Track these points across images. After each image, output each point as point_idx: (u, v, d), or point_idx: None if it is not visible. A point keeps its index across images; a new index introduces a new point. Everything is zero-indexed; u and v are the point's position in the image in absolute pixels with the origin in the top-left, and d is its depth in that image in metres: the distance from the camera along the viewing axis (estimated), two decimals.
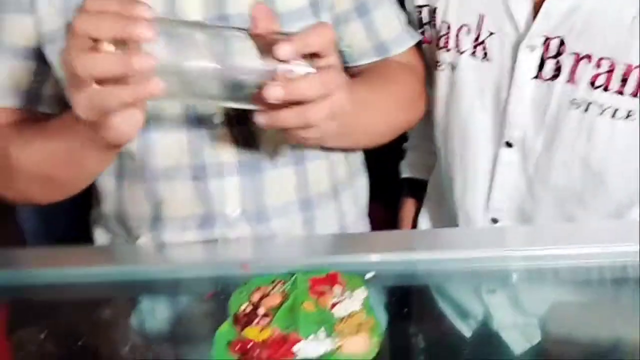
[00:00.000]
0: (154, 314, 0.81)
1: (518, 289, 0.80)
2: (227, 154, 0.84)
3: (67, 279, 0.80)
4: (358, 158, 1.00)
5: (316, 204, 0.90)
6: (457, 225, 1.00)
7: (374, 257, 0.79)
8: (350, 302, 0.69)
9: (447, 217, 1.02)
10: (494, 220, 0.97)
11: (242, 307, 0.70)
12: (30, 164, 0.78)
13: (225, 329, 0.68)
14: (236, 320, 0.68)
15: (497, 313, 0.77)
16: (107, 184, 0.88)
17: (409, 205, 1.19)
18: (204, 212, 0.84)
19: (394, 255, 0.80)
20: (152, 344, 0.75)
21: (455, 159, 0.97)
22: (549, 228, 0.91)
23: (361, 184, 1.01)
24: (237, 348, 0.65)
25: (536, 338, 0.72)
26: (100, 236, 0.96)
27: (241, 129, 0.83)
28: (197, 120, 0.82)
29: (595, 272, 0.77)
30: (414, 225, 1.16)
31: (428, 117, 1.01)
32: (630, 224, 0.83)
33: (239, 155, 0.84)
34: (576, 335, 0.72)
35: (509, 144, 0.93)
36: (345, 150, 0.94)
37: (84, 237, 0.98)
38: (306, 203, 0.89)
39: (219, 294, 0.77)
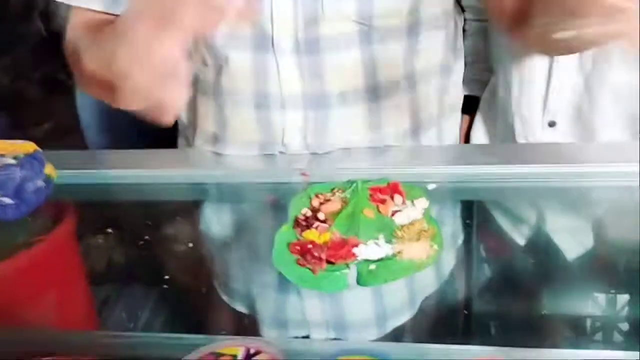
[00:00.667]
0: (218, 217, 0.82)
1: (569, 202, 0.79)
2: (291, 85, 0.79)
3: (134, 180, 0.82)
4: (456, 94, 0.95)
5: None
6: (512, 137, 0.98)
7: (434, 170, 0.78)
8: (412, 211, 0.69)
9: (502, 130, 1.00)
10: (551, 124, 0.95)
11: (302, 212, 0.70)
12: (91, 67, 0.78)
13: (285, 231, 0.68)
14: (296, 223, 0.69)
15: (550, 222, 0.77)
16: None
17: (463, 122, 1.17)
18: (266, 141, 0.83)
19: (454, 168, 0.78)
20: (216, 244, 0.77)
21: (512, 63, 0.95)
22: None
23: (451, 124, 0.96)
24: (297, 248, 0.65)
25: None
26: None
27: (310, 59, 0.77)
28: (263, 43, 0.77)
29: None
30: (467, 140, 1.14)
31: (484, 29, 0.98)
32: None
33: (304, 87, 0.79)
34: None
35: None
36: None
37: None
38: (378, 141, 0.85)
39: (279, 200, 0.77)
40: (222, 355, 0.48)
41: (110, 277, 0.77)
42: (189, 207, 0.83)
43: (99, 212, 0.83)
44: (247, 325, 0.72)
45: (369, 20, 0.76)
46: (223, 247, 0.78)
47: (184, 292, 0.74)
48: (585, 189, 0.78)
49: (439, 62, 0.85)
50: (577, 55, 0.90)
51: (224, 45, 0.79)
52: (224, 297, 0.74)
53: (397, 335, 0.69)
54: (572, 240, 0.75)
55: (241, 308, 0.73)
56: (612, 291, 0.69)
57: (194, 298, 0.75)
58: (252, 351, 0.48)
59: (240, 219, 0.80)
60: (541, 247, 0.75)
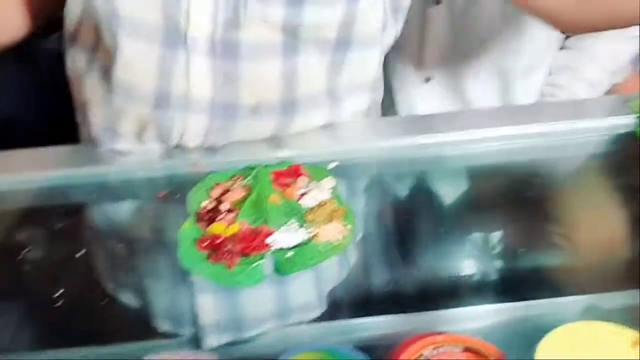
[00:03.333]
0: (108, 217, 0.76)
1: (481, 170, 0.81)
2: (201, 89, 0.72)
3: (16, 184, 0.73)
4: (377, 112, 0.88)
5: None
6: (390, 95, 1.00)
7: (334, 148, 0.76)
8: (319, 192, 0.67)
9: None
10: (427, 79, 0.99)
11: (203, 204, 0.66)
12: None
13: (188, 227, 0.64)
14: (199, 217, 0.64)
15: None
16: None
17: None
18: (163, 141, 0.76)
19: (351, 145, 0.77)
20: (111, 248, 0.71)
21: None
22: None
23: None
24: (205, 245, 0.61)
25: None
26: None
27: (225, 64, 0.71)
28: (175, 38, 0.70)
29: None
30: None
31: None
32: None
33: (214, 93, 0.72)
34: None
35: (437, 1, 0.95)
36: None
37: None
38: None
39: (173, 194, 0.72)
40: None
41: None
42: (78, 209, 0.76)
43: None
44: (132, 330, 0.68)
45: (295, 30, 0.70)
46: (120, 250, 0.72)
47: (53, 304, 0.67)
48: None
49: (366, 81, 0.78)
50: (447, 9, 0.93)
51: (123, 31, 0.70)
52: (93, 303, 0.68)
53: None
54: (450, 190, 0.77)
55: (122, 312, 0.69)
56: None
57: (65, 309, 0.69)
58: None
59: (134, 219, 0.74)
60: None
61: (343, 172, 0.72)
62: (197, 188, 0.69)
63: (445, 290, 0.71)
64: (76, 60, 0.78)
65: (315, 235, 0.61)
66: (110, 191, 0.76)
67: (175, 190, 0.73)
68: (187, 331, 0.64)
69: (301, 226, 0.62)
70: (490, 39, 0.96)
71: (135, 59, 0.71)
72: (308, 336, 0.64)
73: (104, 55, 0.74)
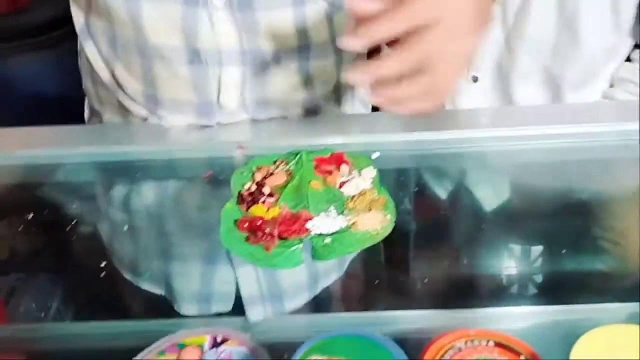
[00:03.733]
0: (151, 196, 0.78)
1: (518, 169, 0.80)
2: (229, 40, 0.75)
3: (60, 159, 0.75)
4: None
5: (321, 103, 0.84)
6: None
7: (377, 138, 0.76)
8: (360, 181, 0.67)
9: None
10: (474, 79, 0.97)
11: (246, 187, 0.67)
12: None
13: (230, 208, 0.65)
14: (240, 199, 0.65)
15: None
16: (102, 48, 0.81)
17: None
18: (201, 100, 0.78)
19: (396, 136, 0.77)
20: (156, 224, 0.72)
21: None
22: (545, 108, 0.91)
23: None
24: (245, 225, 0.62)
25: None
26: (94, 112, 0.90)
27: (244, 16, 0.73)
28: None
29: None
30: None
31: None
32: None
33: (241, 43, 0.75)
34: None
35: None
36: None
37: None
38: (309, 100, 0.84)
39: (217, 175, 0.73)
40: (187, 345, 0.45)
41: (15, 266, 0.72)
42: (120, 187, 0.78)
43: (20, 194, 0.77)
44: (167, 307, 0.69)
45: None
46: (162, 227, 0.74)
47: (97, 278, 0.69)
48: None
49: None
50: (499, 10, 0.91)
51: None
52: (133, 279, 0.70)
53: (327, 295, 0.70)
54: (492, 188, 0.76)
55: (160, 290, 0.70)
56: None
57: (107, 284, 0.70)
58: (219, 339, 0.45)
59: (177, 197, 0.76)
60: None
61: (385, 162, 0.72)
62: (240, 171, 0.70)
63: (482, 289, 0.71)
64: (100, 42, 0.80)
65: (354, 224, 0.61)
66: (158, 170, 0.77)
67: (219, 171, 0.74)
68: (227, 306, 0.65)
69: (341, 213, 0.63)
70: (541, 43, 0.92)
71: (159, 21, 0.73)
72: (341, 325, 0.65)
73: (126, 27, 0.76)
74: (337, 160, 0.70)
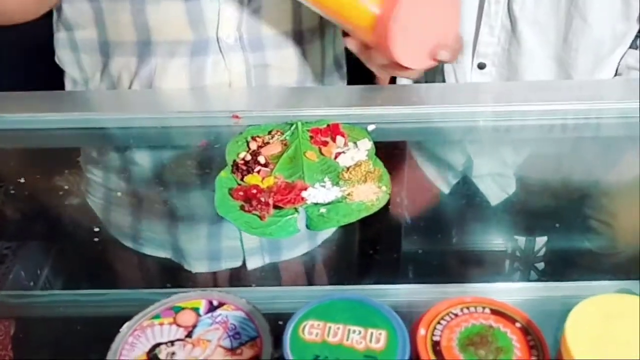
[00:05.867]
0: (146, 163, 0.77)
1: (516, 144, 0.80)
2: None
3: (46, 125, 0.74)
4: None
5: (307, 38, 0.85)
6: (442, 79, 0.98)
7: (373, 110, 0.76)
8: (355, 152, 0.67)
9: (432, 71, 0.99)
10: (481, 66, 0.96)
11: (241, 156, 0.67)
12: None
13: (225, 177, 0.64)
14: (235, 168, 0.65)
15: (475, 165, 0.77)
16: (82, 6, 0.80)
17: None
18: (197, 37, 0.77)
19: (392, 108, 0.76)
20: (148, 192, 0.72)
21: None
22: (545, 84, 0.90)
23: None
24: (240, 194, 0.61)
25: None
26: (72, 75, 0.89)
27: None
28: None
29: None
30: (393, 79, 1.13)
31: None
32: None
33: None
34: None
35: None
36: None
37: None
38: (299, 36, 0.84)
39: (212, 144, 0.73)
40: (182, 309, 0.45)
41: (4, 234, 0.71)
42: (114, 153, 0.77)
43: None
44: (166, 271, 0.70)
45: None
46: (158, 194, 0.73)
47: (87, 246, 0.69)
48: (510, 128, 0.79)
49: None
50: None
51: None
52: (134, 245, 0.70)
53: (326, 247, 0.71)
54: (495, 186, 0.77)
55: (157, 252, 0.70)
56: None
57: (99, 251, 0.70)
58: (215, 303, 0.45)
59: (171, 164, 0.75)
60: (465, 190, 0.76)
61: (381, 134, 0.72)
62: (235, 140, 0.69)
63: (476, 263, 0.71)
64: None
65: (349, 194, 0.61)
66: (152, 138, 0.77)
67: (214, 140, 0.73)
68: (236, 261, 0.66)
69: (336, 184, 0.63)
70: (550, 29, 0.91)
71: None
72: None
73: None
74: (333, 131, 0.69)
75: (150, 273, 0.75)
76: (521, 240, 0.72)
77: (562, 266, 0.70)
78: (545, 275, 0.68)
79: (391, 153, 0.73)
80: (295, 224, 0.59)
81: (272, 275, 0.72)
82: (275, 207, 0.60)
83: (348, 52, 0.82)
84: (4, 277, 0.67)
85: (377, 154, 0.67)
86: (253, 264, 0.70)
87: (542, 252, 0.71)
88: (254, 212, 0.60)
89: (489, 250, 0.72)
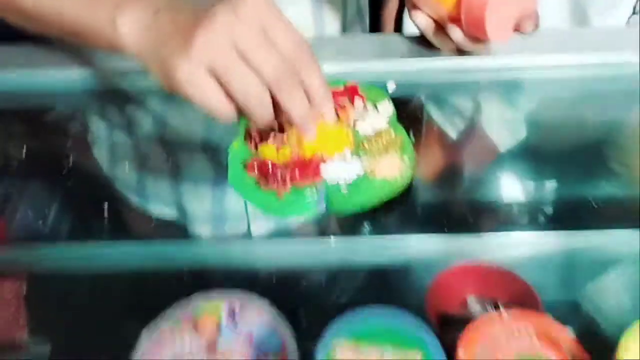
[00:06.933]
0: (152, 122, 0.73)
1: (520, 97, 0.76)
2: None
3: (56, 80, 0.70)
4: None
5: None
6: None
7: (391, 65, 0.71)
8: (375, 118, 0.63)
9: None
10: None
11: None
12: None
13: (237, 147, 0.61)
14: (248, 136, 0.61)
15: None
16: None
17: (392, 4, 1.09)
18: None
19: (412, 61, 0.71)
20: (157, 150, 0.69)
21: None
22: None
23: None
24: (255, 169, 0.58)
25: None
26: None
27: None
28: None
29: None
30: (397, 26, 1.07)
31: None
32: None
33: None
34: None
35: None
36: None
37: None
38: None
39: None
40: (203, 313, 0.43)
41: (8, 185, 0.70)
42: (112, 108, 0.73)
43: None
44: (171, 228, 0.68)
45: None
46: (155, 150, 0.70)
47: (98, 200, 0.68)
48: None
49: None
50: None
51: None
52: (140, 201, 0.68)
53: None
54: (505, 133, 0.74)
55: (163, 211, 0.68)
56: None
57: (109, 205, 0.68)
58: (236, 308, 0.43)
59: (178, 123, 0.71)
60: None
61: (400, 93, 0.68)
62: None
63: (492, 216, 0.69)
64: None
65: (371, 170, 0.57)
66: (157, 96, 0.72)
67: None
68: (240, 226, 0.63)
69: (356, 156, 0.59)
70: None
71: None
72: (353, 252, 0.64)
73: None
74: (351, 93, 0.65)
75: (154, 230, 0.74)
76: (540, 186, 0.70)
77: (579, 214, 0.68)
78: (562, 224, 0.67)
79: (413, 115, 0.69)
80: (314, 204, 0.56)
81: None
82: (294, 183, 0.57)
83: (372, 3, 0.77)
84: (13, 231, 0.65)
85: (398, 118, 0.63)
86: (257, 227, 0.68)
87: (558, 200, 0.70)
88: (270, 189, 0.56)
89: (505, 199, 0.70)
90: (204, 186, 0.71)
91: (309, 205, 0.56)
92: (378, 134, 0.61)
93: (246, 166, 0.58)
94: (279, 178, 0.56)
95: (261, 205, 0.56)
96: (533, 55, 0.71)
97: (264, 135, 0.61)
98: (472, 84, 0.72)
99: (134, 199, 0.73)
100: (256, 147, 0.60)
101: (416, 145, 0.62)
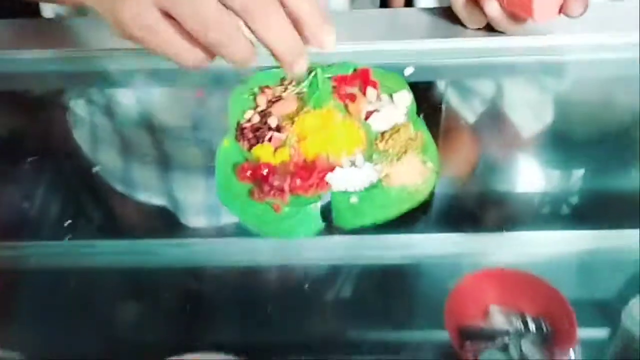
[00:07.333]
0: (137, 108, 0.64)
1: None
2: None
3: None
4: None
5: None
6: None
7: (407, 45, 0.60)
8: (391, 110, 0.53)
9: None
10: None
11: (247, 116, 0.53)
12: None
13: (228, 147, 0.51)
14: (240, 133, 0.52)
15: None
16: None
17: None
18: None
19: (431, 42, 0.61)
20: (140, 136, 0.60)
21: None
22: None
23: None
24: (247, 174, 0.48)
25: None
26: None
27: None
28: None
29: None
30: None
31: None
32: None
33: None
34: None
35: None
36: None
37: None
38: None
39: (210, 94, 0.59)
40: None
41: None
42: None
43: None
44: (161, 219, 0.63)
45: None
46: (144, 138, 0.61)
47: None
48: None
49: None
50: None
51: None
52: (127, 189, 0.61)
53: None
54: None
55: (151, 201, 0.61)
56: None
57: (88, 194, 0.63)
58: None
59: (166, 111, 0.62)
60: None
61: (419, 79, 0.57)
62: (239, 91, 0.55)
63: (516, 213, 0.61)
64: None
65: (386, 176, 0.48)
66: (137, 80, 0.62)
67: (213, 88, 0.59)
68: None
69: (369, 159, 0.49)
70: None
71: None
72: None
73: None
74: (362, 79, 0.55)
75: (143, 222, 0.66)
76: (567, 186, 0.62)
77: (613, 210, 0.59)
78: (589, 221, 0.58)
79: (433, 106, 0.59)
80: (318, 220, 0.46)
81: None
82: (292, 193, 0.47)
83: None
84: None
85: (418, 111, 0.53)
86: None
87: (586, 195, 0.60)
88: (265, 200, 0.47)
89: (528, 196, 0.62)
90: (196, 174, 0.63)
91: (312, 222, 0.46)
92: (395, 130, 0.51)
93: (237, 172, 0.49)
94: (276, 187, 0.47)
95: (255, 222, 0.46)
96: (566, 35, 0.61)
97: (259, 134, 0.51)
98: (499, 66, 0.62)
99: (119, 187, 0.65)
100: (250, 147, 0.50)
101: (439, 143, 0.52)
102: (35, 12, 0.70)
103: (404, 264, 0.59)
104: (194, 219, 0.65)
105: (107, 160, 0.66)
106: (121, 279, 0.59)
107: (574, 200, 0.64)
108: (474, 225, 0.59)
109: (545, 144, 0.65)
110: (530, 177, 0.64)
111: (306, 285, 0.58)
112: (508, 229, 0.58)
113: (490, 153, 0.66)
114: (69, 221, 0.59)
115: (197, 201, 0.64)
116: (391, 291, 0.58)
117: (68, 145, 0.68)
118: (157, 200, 0.66)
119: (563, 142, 0.65)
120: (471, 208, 0.63)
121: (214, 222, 0.65)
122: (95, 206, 0.67)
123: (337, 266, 0.61)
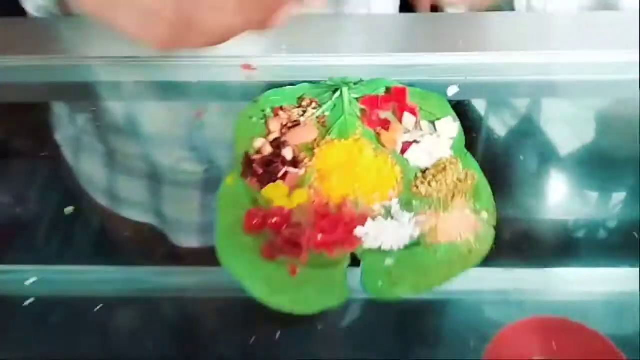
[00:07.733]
0: (124, 113, 0.54)
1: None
2: None
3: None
4: None
5: None
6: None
7: (454, 58, 0.50)
8: (433, 141, 0.43)
9: None
10: None
11: (257, 145, 0.43)
12: None
13: (232, 184, 0.41)
14: (248, 167, 0.42)
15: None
16: None
17: None
18: None
19: (477, 55, 0.51)
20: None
21: None
22: None
23: None
24: (256, 224, 0.39)
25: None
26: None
27: None
28: None
29: None
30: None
31: None
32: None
33: None
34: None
35: None
36: None
37: None
38: None
39: (214, 115, 0.49)
40: None
41: None
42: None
43: None
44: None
45: None
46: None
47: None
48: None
49: None
50: None
51: None
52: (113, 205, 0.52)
53: None
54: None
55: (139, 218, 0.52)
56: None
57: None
58: None
59: (156, 150, 0.52)
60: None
61: (463, 98, 0.48)
62: (247, 113, 0.45)
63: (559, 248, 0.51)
64: None
65: (431, 231, 0.38)
66: (130, 94, 0.53)
67: (216, 108, 0.49)
68: None
69: (406, 206, 0.39)
70: None
71: None
72: None
73: None
74: (398, 100, 0.45)
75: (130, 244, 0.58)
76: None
77: None
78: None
79: (485, 133, 0.49)
80: (346, 287, 0.36)
81: None
82: (314, 249, 0.37)
83: None
84: None
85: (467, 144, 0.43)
86: None
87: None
88: (278, 259, 0.37)
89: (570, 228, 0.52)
90: (190, 190, 0.54)
91: (337, 289, 0.36)
92: (439, 167, 0.41)
93: (243, 218, 0.39)
94: (293, 241, 0.37)
95: (260, 287, 0.37)
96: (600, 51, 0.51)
97: (272, 171, 0.41)
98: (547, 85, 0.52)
99: (102, 201, 0.57)
100: (260, 187, 0.41)
101: (493, 183, 0.42)
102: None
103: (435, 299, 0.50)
104: (188, 240, 0.56)
105: (90, 171, 0.58)
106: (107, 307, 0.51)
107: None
108: (513, 260, 0.50)
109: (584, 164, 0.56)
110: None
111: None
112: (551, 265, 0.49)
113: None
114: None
115: (193, 221, 0.55)
116: (415, 332, 0.49)
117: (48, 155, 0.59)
118: (146, 217, 0.57)
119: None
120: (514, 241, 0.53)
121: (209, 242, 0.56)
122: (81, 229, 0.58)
123: (353, 299, 0.52)
